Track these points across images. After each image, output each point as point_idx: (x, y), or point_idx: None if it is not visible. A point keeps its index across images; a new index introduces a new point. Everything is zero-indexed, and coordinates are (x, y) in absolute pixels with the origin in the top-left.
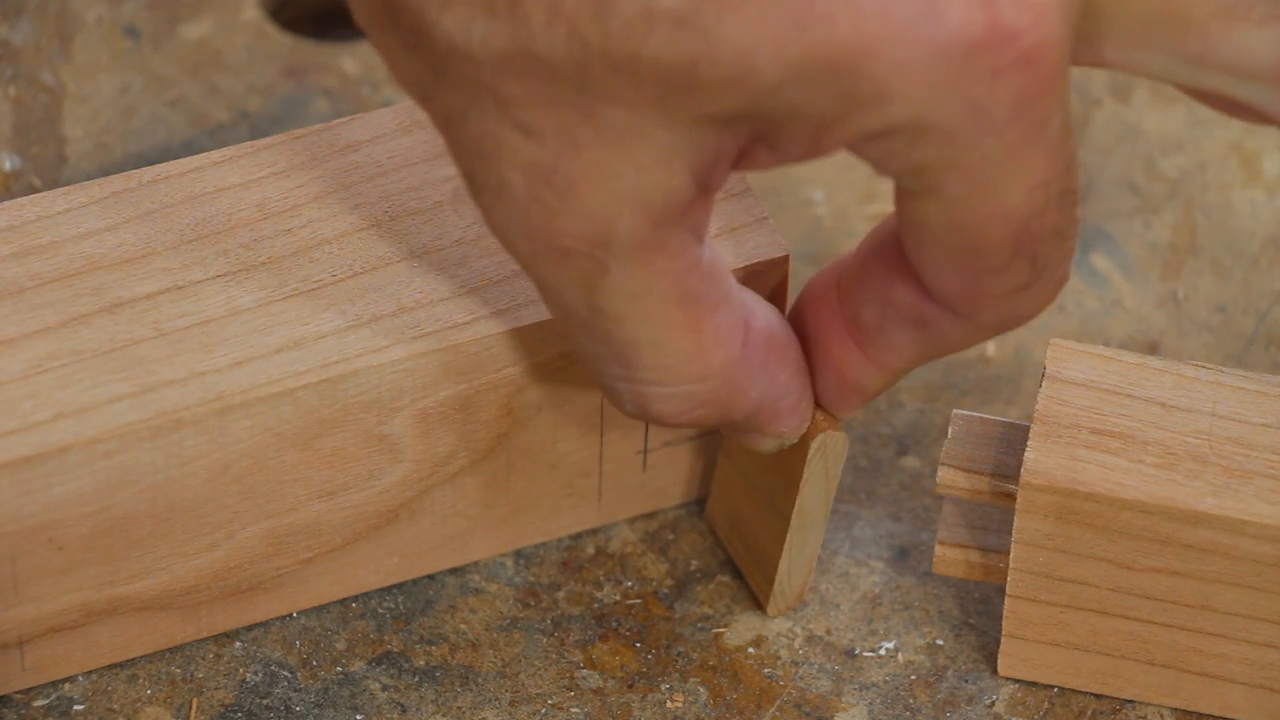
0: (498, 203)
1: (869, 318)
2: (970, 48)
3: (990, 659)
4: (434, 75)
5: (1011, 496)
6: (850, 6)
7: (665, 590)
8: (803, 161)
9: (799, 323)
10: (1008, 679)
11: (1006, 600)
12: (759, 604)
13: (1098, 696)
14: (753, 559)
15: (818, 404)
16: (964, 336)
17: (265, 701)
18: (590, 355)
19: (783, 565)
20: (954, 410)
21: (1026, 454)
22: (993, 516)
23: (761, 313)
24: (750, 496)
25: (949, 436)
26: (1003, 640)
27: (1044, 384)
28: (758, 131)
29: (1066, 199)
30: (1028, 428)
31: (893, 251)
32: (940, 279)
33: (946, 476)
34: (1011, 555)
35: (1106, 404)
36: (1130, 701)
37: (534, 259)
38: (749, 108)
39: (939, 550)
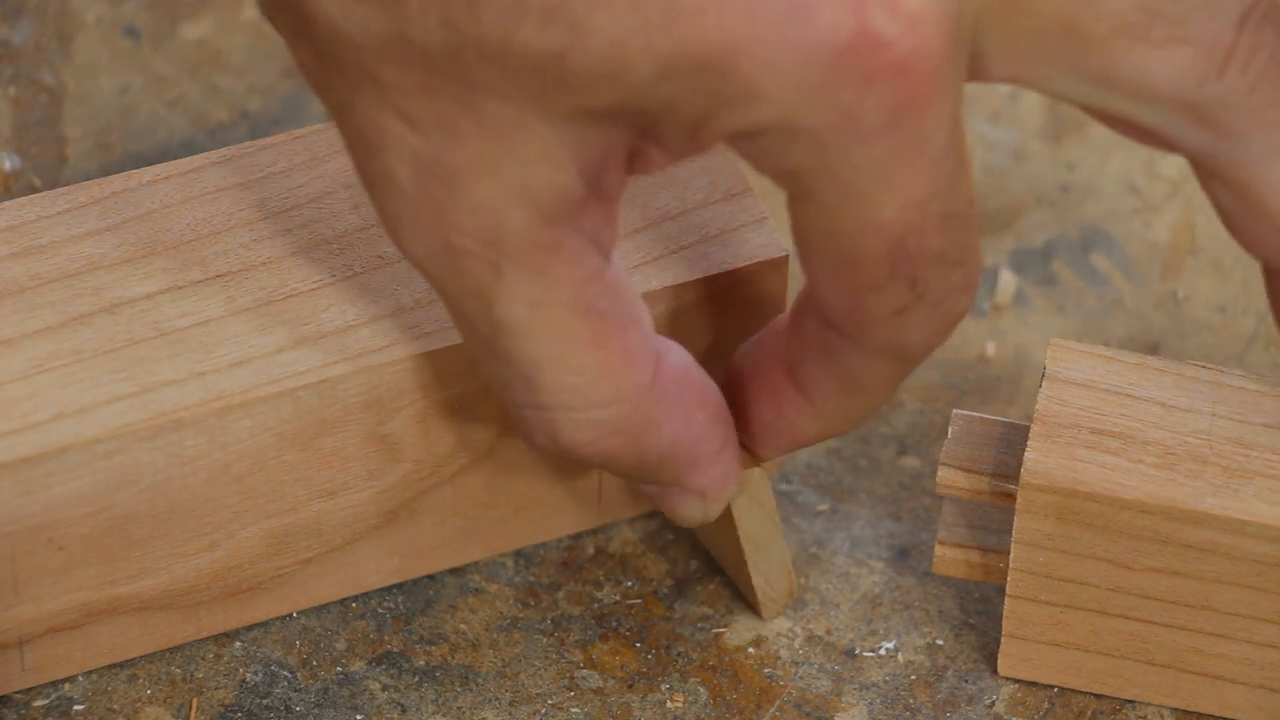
0: (388, 197)
1: (794, 353)
2: (839, 52)
3: (990, 659)
4: (320, 62)
5: (1011, 496)
6: (718, 3)
7: (665, 590)
8: (689, 158)
9: (748, 366)
10: (1008, 679)
11: (1006, 600)
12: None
13: (1098, 696)
14: (734, 571)
15: (746, 440)
16: (864, 365)
17: (265, 701)
18: (497, 381)
19: (756, 580)
20: (954, 410)
21: (1026, 454)
22: (993, 516)
23: (675, 355)
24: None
25: (949, 436)
26: (1003, 640)
27: (1044, 384)
28: (641, 128)
29: (951, 223)
30: (1028, 428)
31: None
32: (825, 293)
33: (946, 476)
34: (1011, 555)
35: (1106, 404)
36: (1130, 701)
37: (429, 262)
38: (624, 103)
39: (939, 550)
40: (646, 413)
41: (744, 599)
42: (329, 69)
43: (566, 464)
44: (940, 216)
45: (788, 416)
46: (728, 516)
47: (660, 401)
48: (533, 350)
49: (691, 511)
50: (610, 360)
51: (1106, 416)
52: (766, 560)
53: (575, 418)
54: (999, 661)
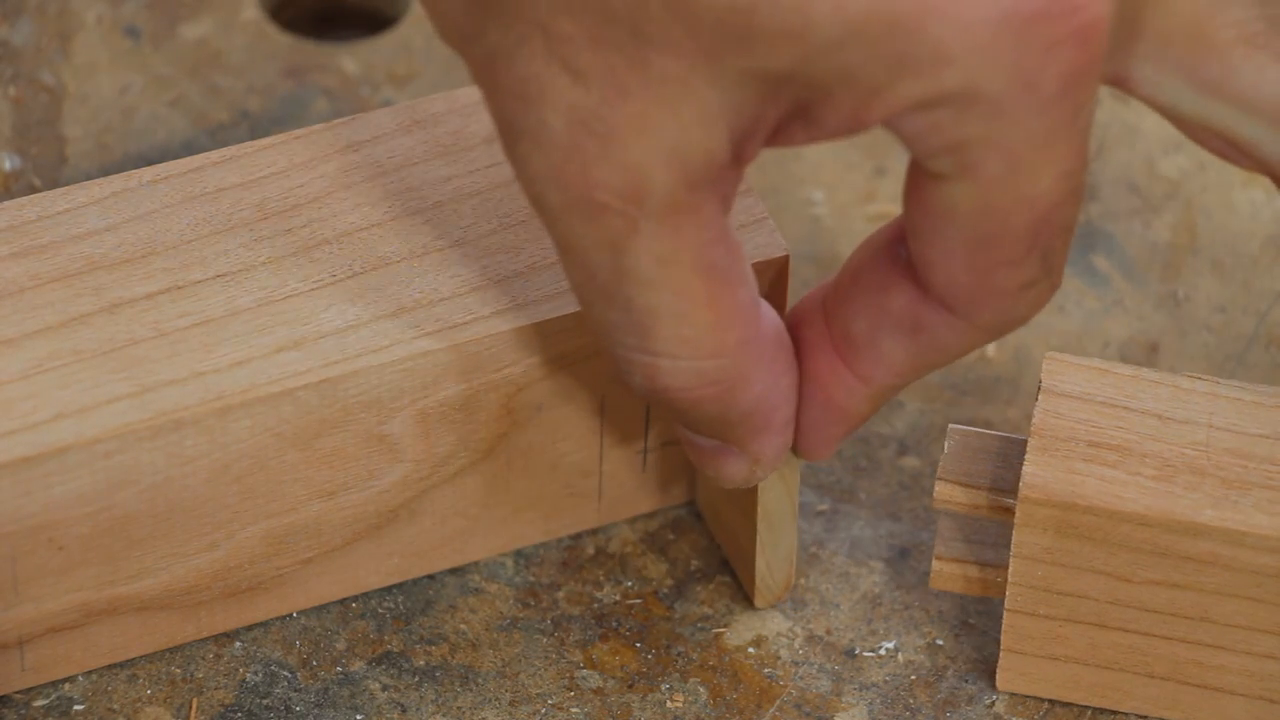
0: (535, 149)
1: (859, 329)
2: (1033, 15)
3: (990, 659)
4: (482, 11)
5: (1010, 511)
6: None
7: (665, 590)
8: (836, 138)
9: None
10: None
11: (1005, 615)
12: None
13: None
14: (736, 552)
15: (799, 440)
16: (958, 340)
17: (265, 701)
18: (606, 324)
19: (760, 563)
20: (950, 425)
21: (1025, 467)
22: (989, 531)
23: (772, 316)
24: (725, 494)
25: (945, 451)
26: (1001, 655)
27: (1040, 398)
28: (800, 101)
29: (1078, 196)
30: (1024, 441)
31: (887, 258)
32: (950, 273)
33: (944, 491)
34: (1010, 570)
35: (1103, 417)
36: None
37: (565, 212)
38: (799, 68)
39: (936, 565)
40: (743, 369)
41: (745, 599)
42: (489, 18)
43: (657, 406)
44: (1075, 190)
45: (839, 402)
46: (751, 491)
47: (759, 357)
48: (653, 301)
49: (738, 473)
50: (721, 316)
51: (1103, 429)
52: (776, 545)
53: (679, 365)
54: (997, 676)
